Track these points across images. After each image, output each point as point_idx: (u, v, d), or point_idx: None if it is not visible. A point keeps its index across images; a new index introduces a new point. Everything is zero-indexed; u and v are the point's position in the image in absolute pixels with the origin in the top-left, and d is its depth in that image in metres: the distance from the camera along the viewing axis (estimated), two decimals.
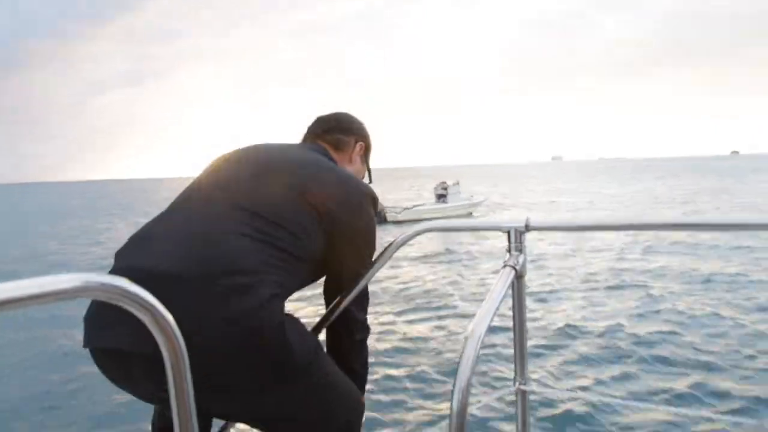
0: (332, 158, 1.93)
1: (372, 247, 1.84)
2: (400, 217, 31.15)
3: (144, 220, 1.71)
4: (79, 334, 1.45)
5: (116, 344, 1.38)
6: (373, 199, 1.79)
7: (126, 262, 1.47)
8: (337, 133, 2.01)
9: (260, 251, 1.48)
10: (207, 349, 1.30)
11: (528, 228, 1.41)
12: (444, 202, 33.95)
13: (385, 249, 1.61)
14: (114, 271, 1.45)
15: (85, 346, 1.47)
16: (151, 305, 0.71)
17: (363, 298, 1.84)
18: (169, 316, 0.73)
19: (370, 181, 2.12)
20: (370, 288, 1.81)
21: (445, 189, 35.60)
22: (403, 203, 35.32)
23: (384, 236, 2.23)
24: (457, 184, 36.49)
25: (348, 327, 1.82)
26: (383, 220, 30.48)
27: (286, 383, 1.51)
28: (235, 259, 1.43)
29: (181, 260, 1.41)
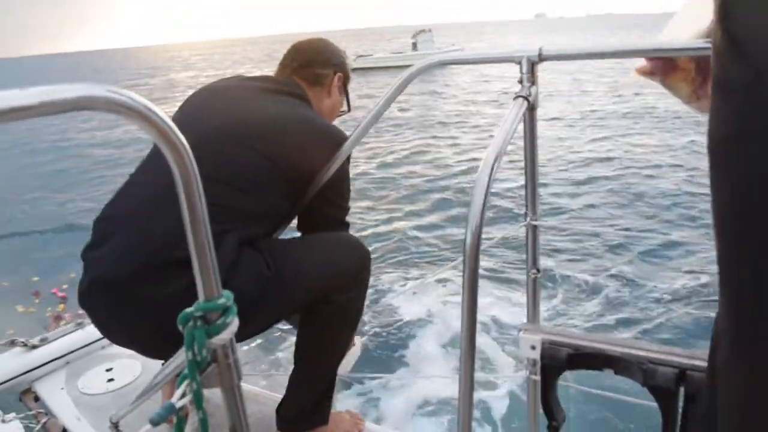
0: (306, 96, 1.85)
1: (344, 190, 1.83)
2: (354, 65, 31.13)
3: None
4: None
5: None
6: (339, 145, 1.73)
7: (88, 277, 1.56)
8: (316, 67, 1.91)
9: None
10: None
11: (541, 57, 1.35)
12: (415, 50, 33.83)
13: (398, 82, 1.55)
14: (85, 273, 1.58)
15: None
16: (160, 118, 0.68)
17: (342, 186, 1.82)
18: (177, 131, 0.70)
19: (349, 110, 2.08)
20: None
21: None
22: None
23: None
24: (429, 31, 36.01)
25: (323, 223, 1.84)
26: None
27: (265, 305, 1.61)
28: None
29: (129, 260, 1.50)
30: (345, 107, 2.06)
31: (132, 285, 1.49)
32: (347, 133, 1.76)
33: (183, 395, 0.80)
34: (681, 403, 1.26)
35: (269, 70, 1.96)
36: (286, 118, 1.73)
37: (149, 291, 1.48)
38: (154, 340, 1.51)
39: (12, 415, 2.19)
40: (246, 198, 1.60)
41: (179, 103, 1.83)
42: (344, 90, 2.01)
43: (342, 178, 1.79)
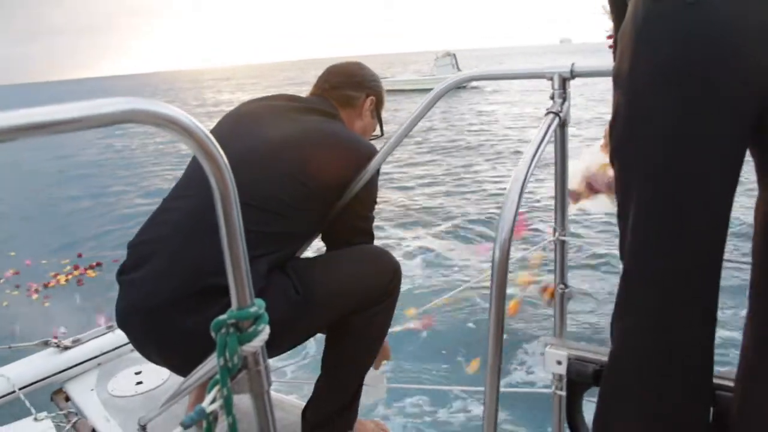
0: (338, 114, 1.86)
1: (370, 202, 1.84)
2: None
3: None
4: None
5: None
6: (369, 158, 1.76)
7: (124, 300, 1.61)
8: (347, 89, 1.93)
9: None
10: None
11: (573, 74, 1.36)
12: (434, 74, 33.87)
13: (429, 97, 1.56)
14: (118, 307, 1.62)
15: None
16: (200, 131, 0.70)
17: (369, 198, 1.82)
18: (216, 144, 0.73)
19: (382, 134, 2.08)
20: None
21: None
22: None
23: None
24: (452, 55, 35.54)
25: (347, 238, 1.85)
26: None
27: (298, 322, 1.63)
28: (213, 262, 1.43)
29: (164, 286, 1.52)
30: (378, 131, 2.07)
31: (167, 312, 1.52)
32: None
33: (214, 400, 0.82)
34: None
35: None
36: (315, 134, 1.74)
37: (184, 318, 1.51)
38: (187, 363, 1.54)
39: (44, 413, 2.24)
40: (277, 220, 1.61)
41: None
42: (377, 114, 2.02)
43: (370, 190, 1.80)
